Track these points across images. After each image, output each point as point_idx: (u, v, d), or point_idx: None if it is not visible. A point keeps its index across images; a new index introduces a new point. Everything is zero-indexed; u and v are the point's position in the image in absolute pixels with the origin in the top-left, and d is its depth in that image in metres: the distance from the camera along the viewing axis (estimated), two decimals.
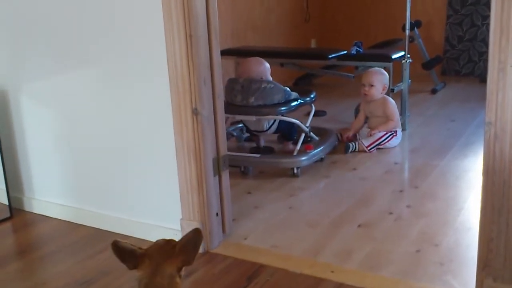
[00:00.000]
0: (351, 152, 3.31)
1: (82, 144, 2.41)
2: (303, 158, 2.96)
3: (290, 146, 3.22)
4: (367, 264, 2.04)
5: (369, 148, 3.31)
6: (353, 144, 3.34)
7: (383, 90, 3.44)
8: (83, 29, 2.24)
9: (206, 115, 2.06)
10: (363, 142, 3.33)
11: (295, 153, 3.00)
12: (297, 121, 3.08)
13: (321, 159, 3.14)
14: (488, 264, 1.64)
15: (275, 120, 3.12)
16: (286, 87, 3.04)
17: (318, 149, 3.06)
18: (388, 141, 3.35)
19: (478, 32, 5.29)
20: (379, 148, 3.34)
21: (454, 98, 4.63)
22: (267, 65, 3.17)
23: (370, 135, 3.35)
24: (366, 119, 3.54)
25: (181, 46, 1.98)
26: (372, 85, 3.43)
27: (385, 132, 3.35)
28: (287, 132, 3.22)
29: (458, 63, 5.45)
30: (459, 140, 3.47)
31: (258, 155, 3.04)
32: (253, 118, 3.03)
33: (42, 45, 2.38)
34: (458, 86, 5.09)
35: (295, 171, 2.95)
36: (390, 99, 3.47)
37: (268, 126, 3.16)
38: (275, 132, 3.25)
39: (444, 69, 5.51)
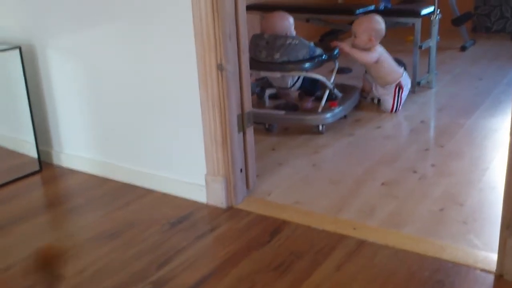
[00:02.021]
0: (369, 101, 3.38)
1: (109, 99, 2.43)
2: (328, 115, 2.94)
3: (309, 103, 3.18)
4: (389, 221, 2.05)
5: (393, 111, 3.25)
6: (370, 98, 3.38)
7: (369, 40, 3.19)
8: None
9: (231, 70, 2.05)
10: (385, 108, 3.27)
11: (319, 110, 2.98)
12: (322, 78, 3.05)
13: (345, 117, 3.12)
14: None
15: (299, 77, 3.09)
16: (311, 43, 3.00)
17: (343, 106, 3.04)
18: (401, 94, 3.25)
19: None
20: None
21: (483, 56, 4.51)
22: (291, 19, 3.13)
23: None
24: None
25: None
26: (355, 36, 3.24)
27: (393, 89, 3.22)
28: (310, 88, 3.19)
29: (489, 19, 5.29)
30: (487, 99, 3.40)
31: (282, 112, 3.03)
32: (277, 74, 3.01)
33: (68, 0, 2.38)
34: (488, 44, 4.96)
35: (320, 128, 2.94)
36: None
37: (292, 83, 3.13)
38: (298, 89, 3.22)
39: (474, 25, 5.35)
